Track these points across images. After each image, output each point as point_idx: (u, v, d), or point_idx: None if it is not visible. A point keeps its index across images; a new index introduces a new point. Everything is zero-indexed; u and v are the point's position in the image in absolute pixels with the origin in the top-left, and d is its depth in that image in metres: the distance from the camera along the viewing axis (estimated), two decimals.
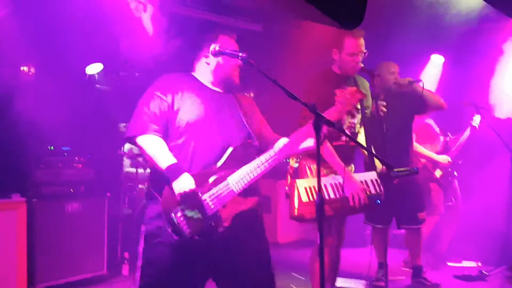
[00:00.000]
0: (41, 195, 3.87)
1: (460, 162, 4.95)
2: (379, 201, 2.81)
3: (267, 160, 2.24)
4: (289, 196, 2.85)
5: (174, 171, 2.14)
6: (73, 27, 4.14)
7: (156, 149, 2.21)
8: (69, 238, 3.93)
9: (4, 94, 3.82)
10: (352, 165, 3.28)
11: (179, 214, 2.11)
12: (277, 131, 2.53)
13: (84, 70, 4.68)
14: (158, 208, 2.21)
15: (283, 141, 2.38)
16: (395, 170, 3.06)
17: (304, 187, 2.81)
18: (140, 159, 5.21)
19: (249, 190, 2.24)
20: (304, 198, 2.77)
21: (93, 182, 4.23)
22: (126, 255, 4.39)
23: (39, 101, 4.05)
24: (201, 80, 2.43)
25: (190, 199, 2.10)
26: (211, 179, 2.18)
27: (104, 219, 4.17)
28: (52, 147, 4.08)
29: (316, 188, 2.72)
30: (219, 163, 2.24)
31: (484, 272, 4.31)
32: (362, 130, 3.28)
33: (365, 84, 3.30)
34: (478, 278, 4.24)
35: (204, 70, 2.43)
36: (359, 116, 3.22)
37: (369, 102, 3.30)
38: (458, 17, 4.76)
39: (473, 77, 5.15)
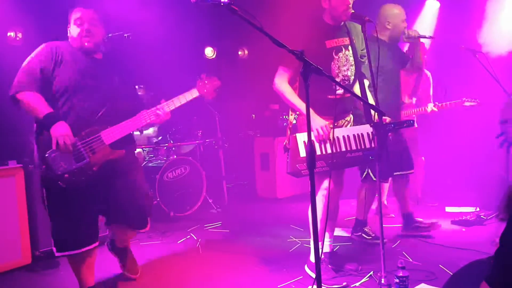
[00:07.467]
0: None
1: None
2: (371, 157, 2.80)
3: (141, 119, 2.69)
4: (288, 150, 2.83)
5: (51, 119, 2.49)
6: None
7: (36, 102, 2.53)
8: None
9: None
10: (351, 115, 3.24)
11: (53, 154, 2.50)
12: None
13: None
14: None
15: (163, 105, 2.77)
16: (392, 123, 3.03)
17: (303, 141, 2.79)
18: None
19: (119, 143, 2.64)
20: (302, 154, 2.76)
21: None
22: None
23: None
24: (75, 46, 2.70)
25: (64, 143, 2.45)
26: (86, 131, 2.57)
27: None
28: None
29: (315, 142, 2.77)
30: (95, 119, 2.61)
31: (482, 217, 4.34)
32: (357, 84, 3.19)
33: (358, 30, 3.18)
34: (476, 223, 4.26)
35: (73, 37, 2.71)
36: (352, 68, 3.13)
37: (364, 50, 3.21)
38: None
39: (468, 20, 5.02)
